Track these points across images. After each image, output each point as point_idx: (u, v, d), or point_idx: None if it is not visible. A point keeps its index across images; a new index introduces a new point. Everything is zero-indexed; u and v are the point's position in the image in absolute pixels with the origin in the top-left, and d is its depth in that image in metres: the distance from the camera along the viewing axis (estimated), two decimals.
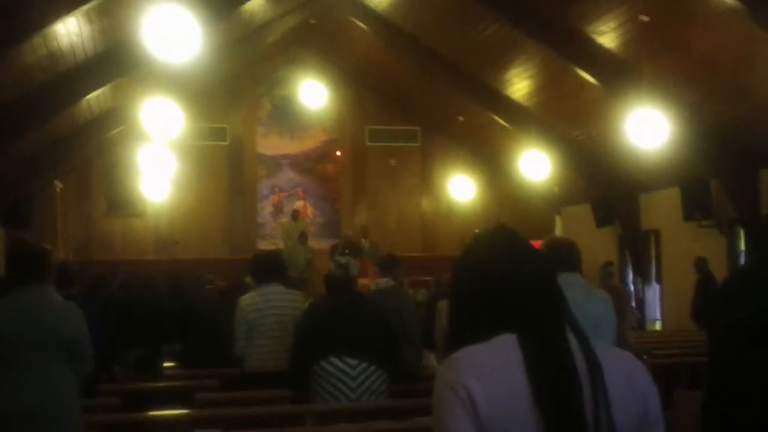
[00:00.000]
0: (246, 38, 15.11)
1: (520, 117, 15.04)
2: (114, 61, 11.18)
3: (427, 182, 19.53)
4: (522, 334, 1.68)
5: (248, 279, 7.49)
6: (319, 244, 17.20)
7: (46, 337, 4.08)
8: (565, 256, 4.26)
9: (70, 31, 9.63)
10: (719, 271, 11.59)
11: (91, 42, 10.39)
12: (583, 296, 4.09)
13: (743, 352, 2.33)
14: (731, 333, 2.40)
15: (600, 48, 11.40)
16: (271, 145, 18.97)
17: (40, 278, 4.20)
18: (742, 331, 2.35)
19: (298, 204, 18.58)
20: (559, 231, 17.30)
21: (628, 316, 9.35)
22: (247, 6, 12.60)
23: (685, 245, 13.15)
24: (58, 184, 15.38)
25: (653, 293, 15.04)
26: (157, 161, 14.20)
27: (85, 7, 8.84)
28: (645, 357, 7.72)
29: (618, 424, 1.64)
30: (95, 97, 12.35)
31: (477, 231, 1.99)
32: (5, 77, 9.84)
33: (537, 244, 4.34)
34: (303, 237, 15.89)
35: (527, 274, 1.77)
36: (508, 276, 1.76)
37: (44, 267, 4.25)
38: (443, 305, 5.63)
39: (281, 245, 16.34)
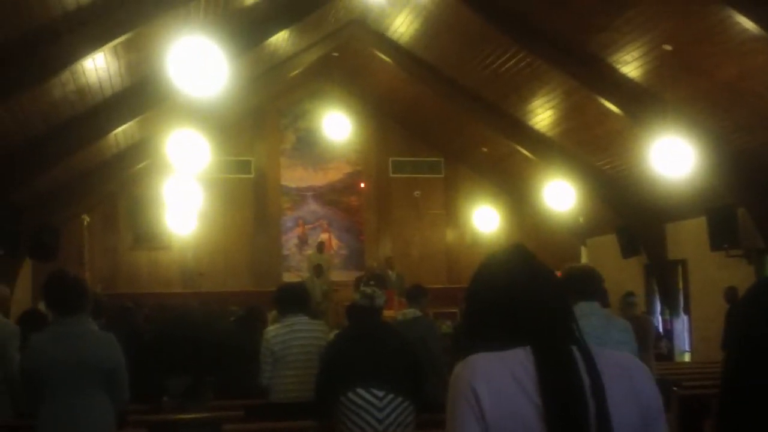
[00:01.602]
0: (270, 71, 15.25)
1: (543, 147, 15.03)
2: (140, 96, 11.32)
3: (451, 213, 19.52)
4: (534, 347, 1.81)
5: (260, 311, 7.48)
6: (343, 276, 17.22)
7: (85, 366, 4.14)
8: (581, 284, 4.21)
9: (98, 66, 9.78)
10: None
11: (118, 77, 10.54)
12: (601, 325, 4.07)
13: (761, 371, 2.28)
14: (750, 351, 2.35)
15: (623, 77, 11.40)
16: (295, 177, 19.07)
17: (79, 309, 4.27)
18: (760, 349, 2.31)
19: (323, 236, 18.62)
20: (584, 262, 17.18)
21: (651, 346, 9.25)
22: (272, 40, 12.74)
23: (713, 275, 13.01)
24: (86, 217, 15.52)
25: (681, 324, 14.87)
26: (183, 194, 14.30)
27: (113, 42, 8.97)
28: (675, 389, 7.62)
29: (619, 428, 1.76)
30: (122, 131, 12.49)
31: (493, 250, 2.08)
32: (34, 111, 10.00)
33: (560, 274, 4.32)
34: (318, 269, 15.88)
35: (538, 292, 1.89)
36: (520, 292, 1.88)
37: (83, 298, 4.33)
38: None
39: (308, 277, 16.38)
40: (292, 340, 5.86)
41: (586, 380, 1.77)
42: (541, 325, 1.84)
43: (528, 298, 1.87)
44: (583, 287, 4.20)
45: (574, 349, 1.83)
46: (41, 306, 6.75)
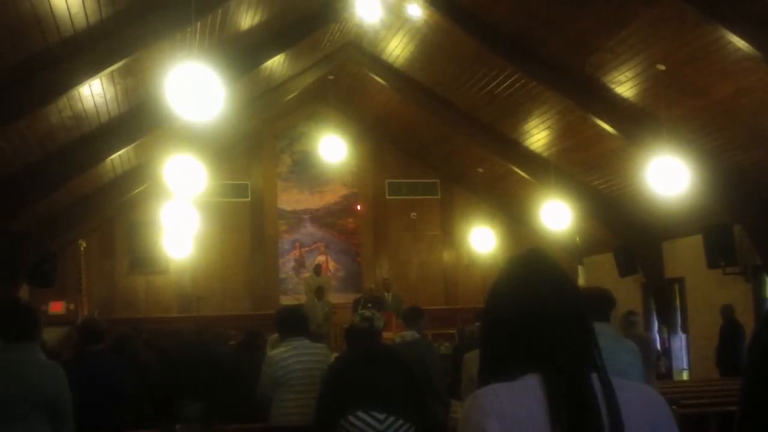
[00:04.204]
0: (266, 95, 15.31)
1: (539, 167, 15.08)
2: (137, 121, 11.35)
3: (447, 234, 19.53)
4: (547, 374, 1.67)
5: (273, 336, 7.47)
6: (341, 298, 17.20)
7: (28, 395, 4.10)
8: (596, 306, 4.23)
9: (94, 92, 9.81)
10: (746, 319, 11.47)
11: (114, 102, 10.58)
12: (612, 346, 4.07)
13: None
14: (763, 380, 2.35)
15: (618, 97, 11.47)
16: (291, 200, 19.09)
17: (28, 337, 4.27)
18: None
19: (320, 258, 18.62)
20: (582, 281, 17.19)
21: (652, 365, 9.23)
22: (267, 64, 12.80)
23: (711, 293, 13.03)
24: (83, 243, 15.52)
25: (679, 342, 14.87)
26: (180, 218, 14.29)
27: (110, 69, 9.01)
28: (674, 407, 7.60)
29: None
30: (119, 157, 12.51)
31: (512, 255, 1.91)
32: (31, 138, 10.01)
33: None
34: (320, 291, 15.89)
35: (558, 312, 1.74)
36: (538, 312, 1.73)
37: (34, 326, 4.33)
38: (471, 357, 5.58)
39: (304, 300, 16.36)
40: (295, 364, 5.85)
41: (605, 418, 1.63)
42: (557, 348, 1.69)
43: (541, 315, 1.72)
44: (597, 309, 4.20)
45: (594, 377, 1.69)
46: None
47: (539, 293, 1.75)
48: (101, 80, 9.52)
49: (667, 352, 14.75)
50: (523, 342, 1.72)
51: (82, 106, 10.01)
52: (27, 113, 8.92)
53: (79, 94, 9.53)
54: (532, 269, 1.81)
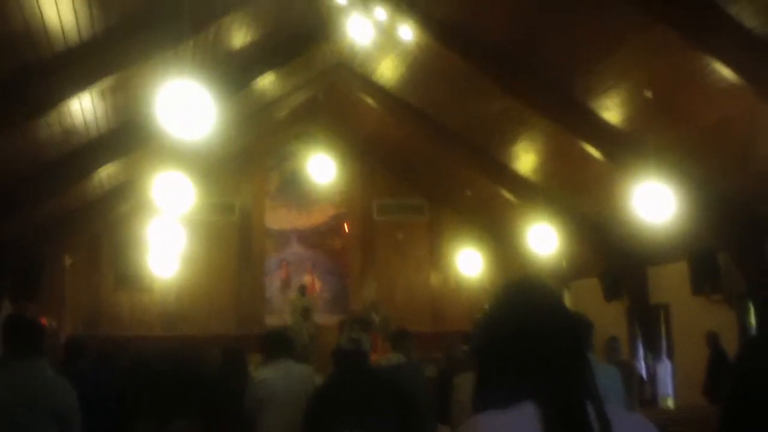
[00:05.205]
0: (256, 114, 15.34)
1: (527, 190, 15.13)
2: (126, 137, 11.35)
3: (435, 256, 19.53)
4: (543, 403, 1.65)
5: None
6: (327, 319, 17.15)
7: (37, 409, 4.10)
8: None
9: (84, 107, 9.80)
10: (731, 346, 11.48)
11: (104, 118, 10.57)
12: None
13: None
14: (746, 409, 2.34)
15: (605, 122, 11.54)
16: (279, 219, 19.06)
17: (35, 352, 4.28)
18: (756, 408, 2.30)
19: (306, 279, 18.57)
20: (567, 305, 17.17)
21: (635, 392, 9.25)
22: (258, 82, 12.83)
23: (696, 319, 13.04)
24: (68, 258, 15.43)
25: (664, 369, 14.86)
26: (167, 236, 14.23)
27: (100, 84, 9.01)
28: None
29: None
30: (107, 172, 12.48)
31: (506, 281, 1.90)
32: (19, 151, 9.98)
33: None
34: (306, 312, 15.84)
35: (554, 341, 1.73)
36: (534, 340, 1.72)
37: (40, 341, 4.34)
38: (461, 380, 5.57)
39: (289, 320, 16.29)
40: (280, 385, 5.83)
41: (597, 428, 1.63)
42: (553, 377, 1.68)
43: (537, 343, 1.71)
44: None
45: (588, 405, 1.68)
46: None
47: (535, 321, 1.74)
48: (91, 95, 9.51)
49: (652, 378, 14.75)
50: (519, 370, 1.71)
51: (72, 120, 10.00)
52: (17, 126, 8.91)
53: (69, 108, 9.52)
54: (528, 296, 1.80)
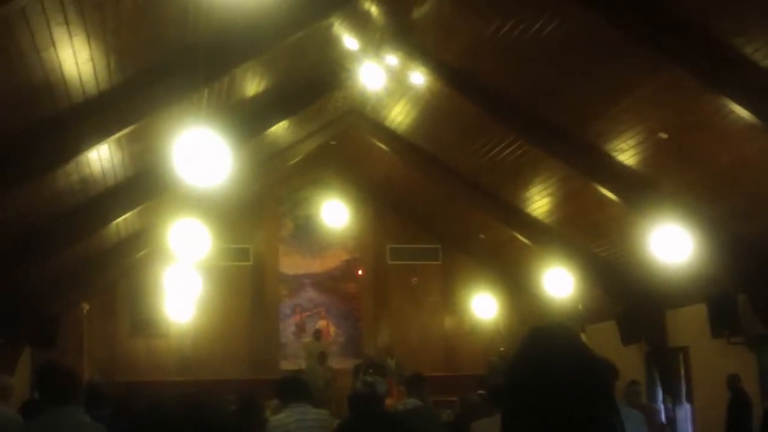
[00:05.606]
0: (269, 160, 15.43)
1: (541, 234, 15.10)
2: (142, 185, 11.45)
3: (449, 300, 19.46)
4: None
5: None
6: (341, 363, 17.07)
7: None
8: None
9: (102, 156, 9.90)
10: (750, 388, 11.35)
11: (121, 167, 10.67)
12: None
13: None
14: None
15: (620, 165, 11.54)
16: (293, 264, 19.07)
17: (71, 400, 4.26)
18: None
19: (321, 323, 18.51)
20: None
21: None
22: (271, 129, 12.94)
23: (715, 362, 12.90)
24: (85, 305, 15.47)
25: (684, 413, 14.68)
26: (182, 282, 14.26)
27: (118, 134, 9.12)
28: None
29: None
30: (123, 220, 12.56)
31: (531, 329, 1.81)
32: (38, 201, 10.07)
33: None
34: (322, 357, 15.79)
35: (583, 390, 1.66)
36: (561, 388, 1.65)
37: (74, 389, 4.34)
38: (479, 427, 5.53)
39: (304, 365, 16.23)
40: (297, 429, 5.80)
41: None
42: (583, 428, 1.62)
43: (564, 391, 1.64)
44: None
45: None
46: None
47: (561, 369, 1.69)
48: (109, 145, 9.62)
49: (672, 422, 14.57)
50: (547, 419, 1.65)
51: (90, 170, 10.11)
52: (36, 178, 9.00)
53: (87, 158, 9.63)
54: (553, 343, 1.74)
